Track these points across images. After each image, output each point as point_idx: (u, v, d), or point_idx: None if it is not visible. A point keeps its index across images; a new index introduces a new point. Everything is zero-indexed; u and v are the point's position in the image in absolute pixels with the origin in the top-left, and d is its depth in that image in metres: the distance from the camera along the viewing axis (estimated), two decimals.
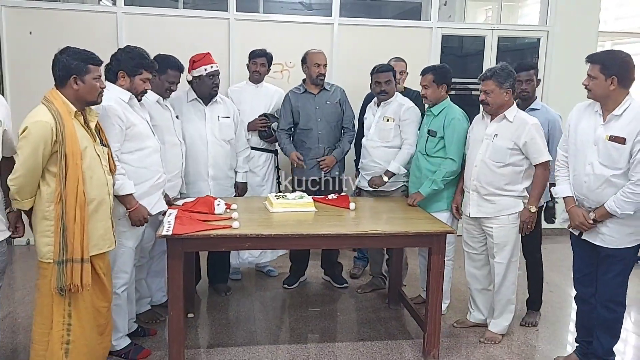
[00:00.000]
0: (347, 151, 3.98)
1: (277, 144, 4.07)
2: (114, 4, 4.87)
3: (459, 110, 3.46)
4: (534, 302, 3.60)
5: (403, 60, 4.16)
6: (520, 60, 4.51)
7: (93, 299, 2.50)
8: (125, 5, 4.79)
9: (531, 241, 3.40)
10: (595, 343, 2.84)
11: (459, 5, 7.66)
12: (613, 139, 2.56)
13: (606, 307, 2.76)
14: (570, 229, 2.84)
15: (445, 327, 3.45)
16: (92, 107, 2.52)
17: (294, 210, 3.17)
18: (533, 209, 3.04)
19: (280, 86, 4.33)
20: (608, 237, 2.65)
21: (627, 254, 2.67)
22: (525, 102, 3.41)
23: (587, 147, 2.67)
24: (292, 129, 3.95)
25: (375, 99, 3.75)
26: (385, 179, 3.57)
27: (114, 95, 2.75)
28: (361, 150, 3.82)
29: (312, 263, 4.25)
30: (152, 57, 3.00)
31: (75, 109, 2.40)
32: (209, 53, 3.60)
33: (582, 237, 2.76)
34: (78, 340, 2.43)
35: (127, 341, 3.00)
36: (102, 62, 2.50)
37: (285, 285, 4.07)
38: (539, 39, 5.52)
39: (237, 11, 4.97)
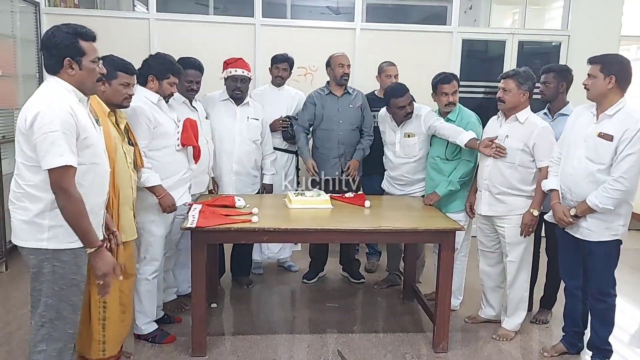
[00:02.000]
0: (367, 154, 4.11)
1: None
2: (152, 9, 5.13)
3: (473, 113, 3.59)
4: (548, 300, 3.68)
5: (394, 64, 4.28)
6: (544, 64, 4.56)
7: (118, 282, 2.70)
8: (158, 12, 5.05)
9: (554, 242, 3.40)
10: (592, 334, 3.00)
11: (484, 9, 7.73)
12: (602, 135, 2.74)
13: (597, 299, 2.92)
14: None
15: (458, 322, 3.58)
16: (122, 109, 2.75)
17: (311, 207, 3.33)
18: (535, 213, 3.13)
19: (303, 89, 4.49)
20: (586, 230, 2.82)
21: (609, 248, 2.83)
22: (553, 105, 3.45)
23: (578, 142, 2.85)
24: (311, 126, 4.10)
25: (385, 111, 3.83)
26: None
27: (143, 97, 2.98)
28: (388, 163, 3.90)
29: (331, 259, 4.42)
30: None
31: (108, 110, 2.63)
32: (241, 58, 3.79)
33: (565, 230, 2.92)
34: (111, 316, 2.66)
35: (155, 326, 3.21)
36: (135, 72, 2.74)
37: (305, 280, 4.24)
38: (560, 43, 5.57)
39: (263, 17, 5.18)
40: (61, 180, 2.00)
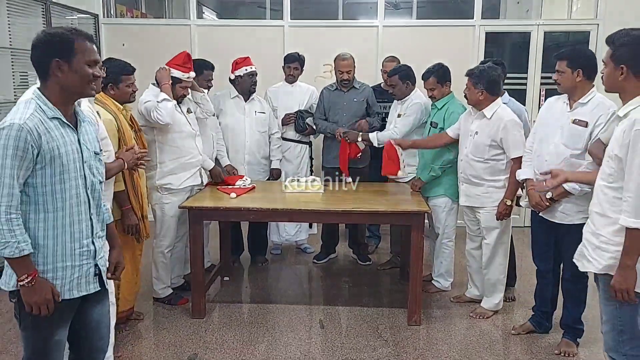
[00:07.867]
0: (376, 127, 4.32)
1: (311, 136, 4.64)
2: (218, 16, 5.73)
3: (460, 104, 3.79)
4: (510, 278, 3.77)
5: (396, 60, 4.52)
6: None
7: (135, 246, 3.22)
8: (220, 18, 5.63)
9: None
10: (565, 314, 3.15)
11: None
12: (577, 122, 2.89)
13: (571, 281, 3.05)
14: (531, 209, 3.14)
15: (446, 301, 3.82)
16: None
17: (304, 192, 3.72)
18: (509, 202, 3.33)
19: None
20: (561, 214, 2.96)
21: (581, 231, 2.92)
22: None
23: (553, 130, 3.00)
24: (326, 119, 4.45)
25: None
26: (359, 139, 4.05)
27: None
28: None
29: (344, 243, 4.79)
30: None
31: (121, 106, 3.16)
32: (248, 57, 4.27)
33: (540, 215, 3.06)
34: (124, 277, 3.03)
35: (170, 291, 3.75)
36: (134, 69, 3.20)
37: (315, 260, 4.63)
38: (589, 33, 5.51)
39: (297, 18, 5.60)
40: None
